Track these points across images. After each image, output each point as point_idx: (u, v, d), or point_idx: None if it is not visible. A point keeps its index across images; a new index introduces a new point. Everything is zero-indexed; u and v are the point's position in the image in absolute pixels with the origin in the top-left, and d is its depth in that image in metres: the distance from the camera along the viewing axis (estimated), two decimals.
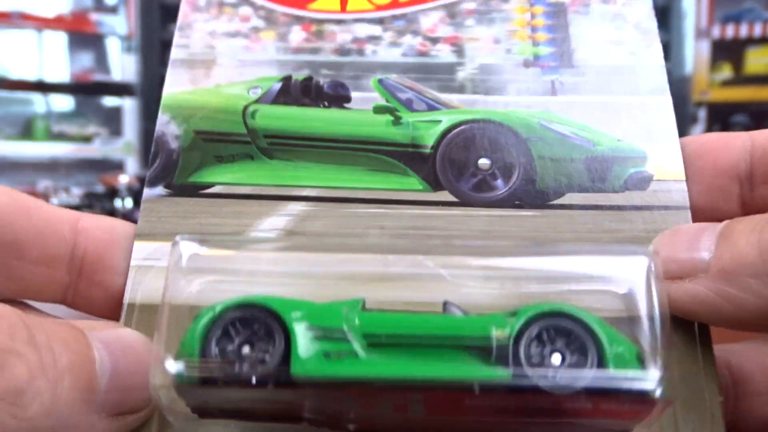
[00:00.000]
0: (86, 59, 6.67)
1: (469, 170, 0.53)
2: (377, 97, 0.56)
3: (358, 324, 0.41)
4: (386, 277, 0.49)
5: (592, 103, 0.56)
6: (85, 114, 6.72)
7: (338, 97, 0.56)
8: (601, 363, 0.40)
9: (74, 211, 0.49)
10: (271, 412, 0.42)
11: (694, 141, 0.52)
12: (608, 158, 0.53)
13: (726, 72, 5.60)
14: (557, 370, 0.40)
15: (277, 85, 0.57)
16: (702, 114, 5.62)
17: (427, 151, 0.54)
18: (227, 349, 0.41)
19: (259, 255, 0.48)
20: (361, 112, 0.56)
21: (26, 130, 6.55)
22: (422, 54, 0.58)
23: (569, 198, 0.52)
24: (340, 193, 0.52)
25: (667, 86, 0.55)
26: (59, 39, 6.38)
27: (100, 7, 6.53)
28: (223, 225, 0.50)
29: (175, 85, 0.56)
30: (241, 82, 0.57)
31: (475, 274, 0.49)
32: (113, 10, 6.48)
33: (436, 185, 0.52)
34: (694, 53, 5.74)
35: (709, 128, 5.57)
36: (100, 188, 5.48)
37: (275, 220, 0.50)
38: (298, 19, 0.60)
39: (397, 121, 0.55)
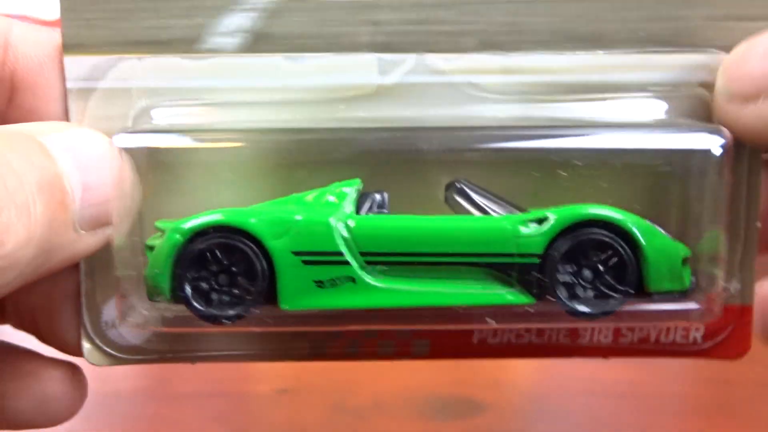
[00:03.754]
0: None
1: None
2: None
3: (353, 240, 0.36)
4: (382, 90, 0.40)
5: None
6: None
7: None
8: (641, 279, 0.36)
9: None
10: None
11: None
12: None
13: None
14: (588, 294, 0.36)
15: None
16: None
17: None
18: (201, 286, 0.36)
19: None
20: None
21: None
22: None
23: None
24: None
25: None
26: None
27: None
28: (171, 27, 0.40)
29: None
30: None
31: (495, 81, 0.40)
32: None
33: None
34: None
35: None
36: None
37: (237, 18, 0.40)
38: None
39: None
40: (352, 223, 0.36)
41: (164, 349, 0.43)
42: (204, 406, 0.62)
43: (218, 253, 0.36)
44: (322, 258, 0.35)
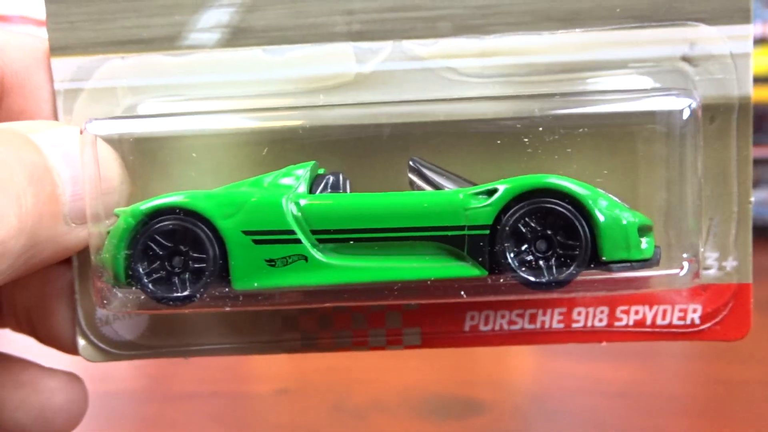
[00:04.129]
0: None
1: None
2: None
3: (304, 219, 0.36)
4: (361, 78, 0.40)
5: None
6: None
7: None
8: (595, 248, 0.35)
9: None
10: None
11: None
12: None
13: None
14: (539, 264, 0.35)
15: None
16: None
17: None
18: (156, 268, 0.37)
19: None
20: None
21: None
22: None
23: None
24: None
25: None
26: None
27: None
28: (152, 27, 0.41)
29: None
30: None
31: (474, 64, 0.40)
32: None
33: None
34: None
35: None
36: None
37: (215, 14, 0.40)
38: None
39: None
40: (303, 202, 0.36)
41: (157, 344, 0.44)
42: (204, 406, 0.62)
43: (169, 235, 0.36)
44: (272, 237, 0.35)
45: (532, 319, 0.43)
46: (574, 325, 0.43)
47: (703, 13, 0.40)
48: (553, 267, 0.35)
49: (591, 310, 0.43)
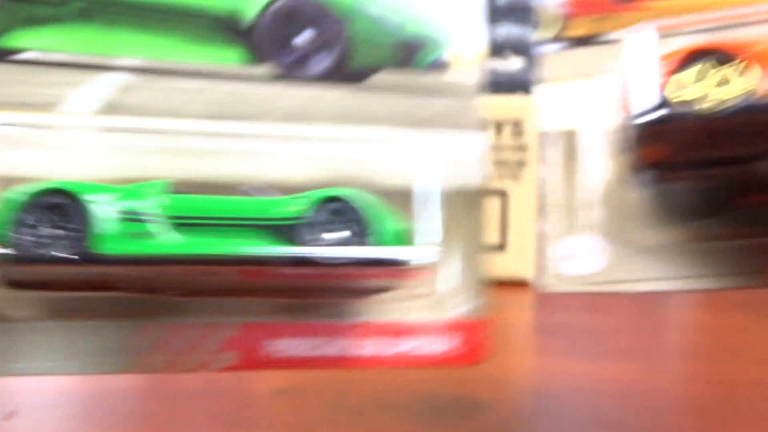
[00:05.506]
0: None
1: (290, 44, 0.56)
2: None
3: (164, 206, 0.50)
4: (204, 151, 0.52)
5: None
6: None
7: None
8: (367, 240, 0.52)
9: None
10: (84, 284, 0.50)
11: None
12: (414, 42, 0.58)
13: None
14: (329, 248, 0.52)
15: None
16: None
17: (249, 21, 0.55)
18: (35, 233, 0.48)
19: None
20: None
21: None
22: None
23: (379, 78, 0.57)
24: (160, 65, 0.53)
25: None
26: None
27: None
28: (36, 95, 0.50)
29: None
30: None
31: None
32: None
33: (258, 58, 0.55)
34: None
35: None
36: None
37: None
38: None
39: None
40: (165, 198, 0.50)
41: None
42: (203, 406, 0.63)
43: (45, 207, 0.48)
44: (136, 217, 0.49)
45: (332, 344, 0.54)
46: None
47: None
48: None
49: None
